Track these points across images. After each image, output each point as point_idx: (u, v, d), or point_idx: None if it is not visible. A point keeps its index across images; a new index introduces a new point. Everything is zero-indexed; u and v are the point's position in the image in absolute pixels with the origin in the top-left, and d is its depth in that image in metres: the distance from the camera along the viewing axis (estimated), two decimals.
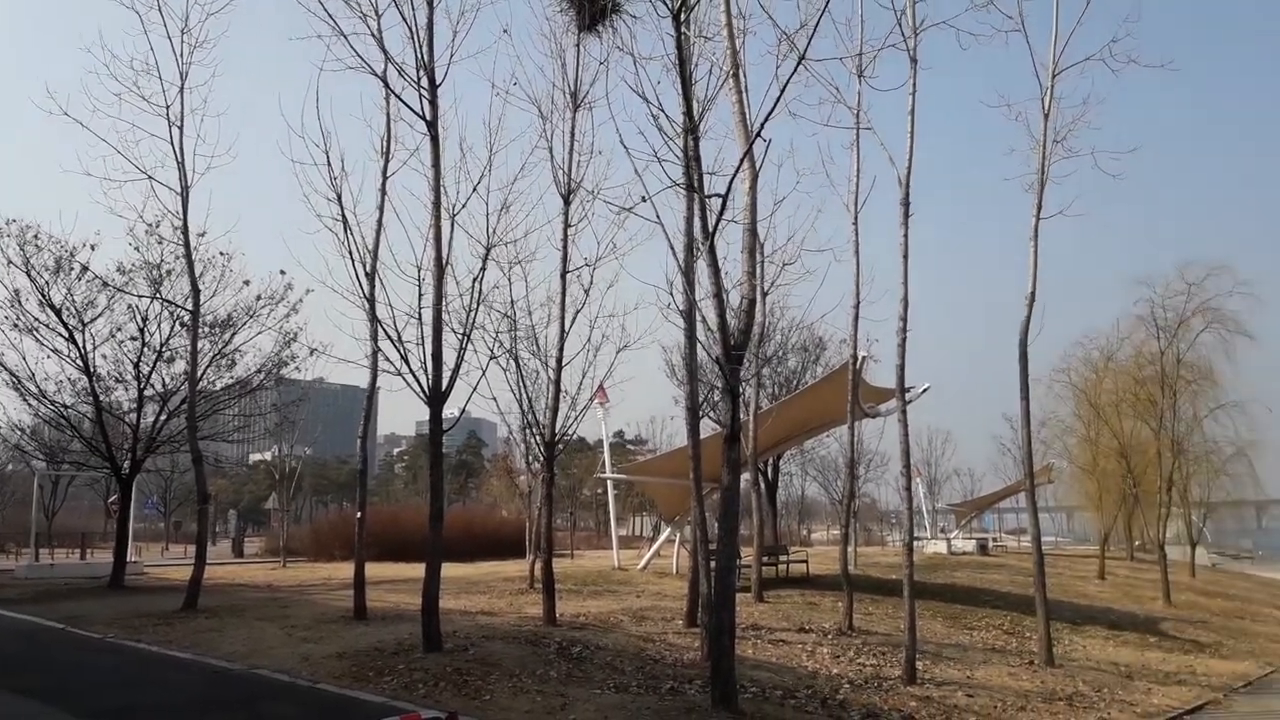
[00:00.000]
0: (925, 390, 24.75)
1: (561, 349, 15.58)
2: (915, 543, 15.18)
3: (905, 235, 14.54)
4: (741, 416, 20.68)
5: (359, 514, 16.93)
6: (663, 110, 10.43)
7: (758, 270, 12.00)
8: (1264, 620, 29.00)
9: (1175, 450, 34.09)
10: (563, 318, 15.62)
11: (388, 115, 15.38)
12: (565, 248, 15.67)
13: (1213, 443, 38.42)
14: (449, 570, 20.12)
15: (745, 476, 24.53)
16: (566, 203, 15.70)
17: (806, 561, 25.72)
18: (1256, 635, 24.87)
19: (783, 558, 25.45)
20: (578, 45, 15.76)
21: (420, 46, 12.66)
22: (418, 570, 12.58)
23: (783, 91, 9.29)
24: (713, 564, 12.21)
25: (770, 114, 9.51)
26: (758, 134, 9.92)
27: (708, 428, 20.64)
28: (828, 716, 10.20)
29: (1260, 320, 35.24)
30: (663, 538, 29.51)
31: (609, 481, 31.61)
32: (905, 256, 14.51)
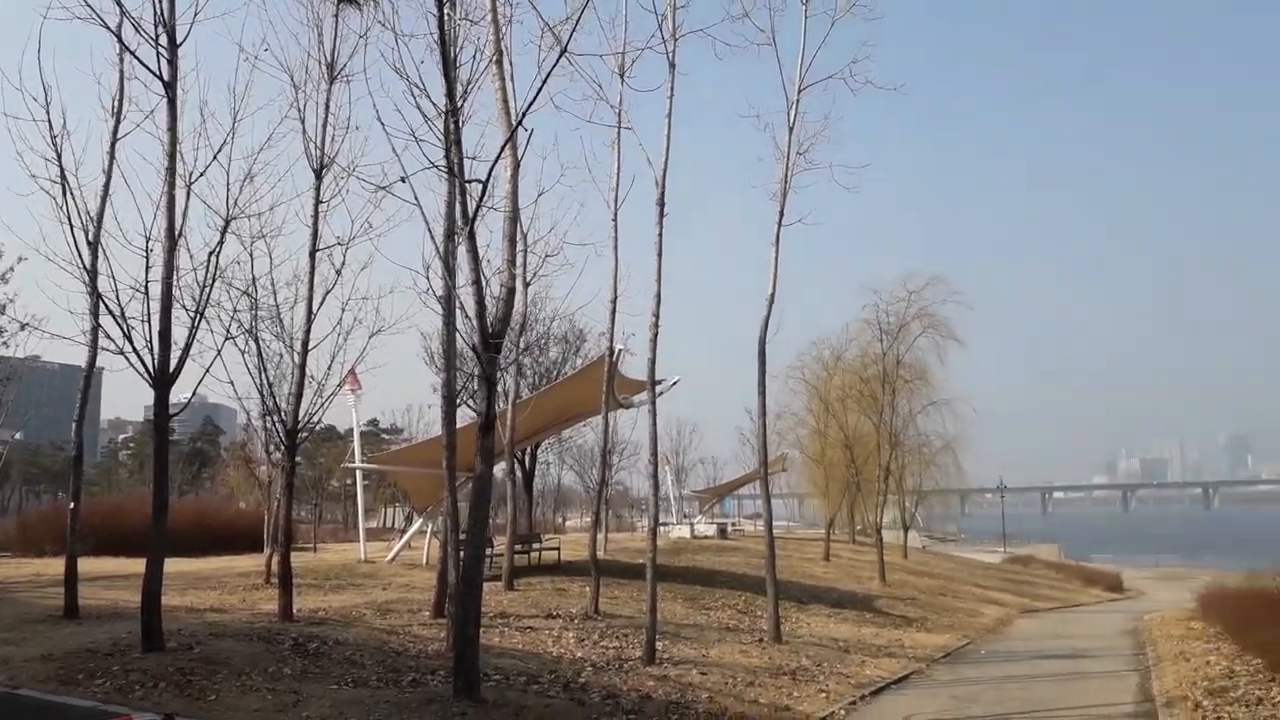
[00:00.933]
0: (675, 383, 25.71)
1: (309, 331, 14.84)
2: (661, 528, 15.76)
3: (660, 234, 15.04)
4: (500, 405, 20.67)
5: (72, 504, 15.40)
6: (424, 90, 10.19)
7: (518, 259, 12.02)
8: (963, 597, 32.42)
9: (893, 443, 37.57)
10: (310, 298, 14.88)
11: (121, 73, 13.96)
12: (316, 224, 14.93)
13: (925, 436, 42.65)
14: (178, 565, 18.73)
15: (502, 465, 24.51)
16: (319, 178, 14.96)
17: (559, 549, 26.03)
18: (957, 610, 27.79)
19: (536, 546, 25.61)
20: (336, 15, 15.05)
21: (160, 2, 11.65)
22: (141, 565, 11.62)
23: (545, 82, 9.36)
24: (462, 553, 12.12)
25: (532, 104, 9.55)
26: (519, 122, 9.92)
27: (466, 417, 20.40)
28: (569, 699, 10.40)
29: (969, 327, 39.63)
30: (414, 529, 28.90)
31: (358, 472, 30.55)
32: (659, 254, 15.02)
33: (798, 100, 17.18)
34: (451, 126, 10.28)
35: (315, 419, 15.50)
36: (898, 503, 44.97)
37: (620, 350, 19.71)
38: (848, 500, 44.96)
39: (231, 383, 14.82)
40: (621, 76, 15.50)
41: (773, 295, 17.45)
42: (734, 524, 59.80)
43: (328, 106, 14.95)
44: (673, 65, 14.99)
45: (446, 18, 10.14)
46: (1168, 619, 24.05)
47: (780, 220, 17.28)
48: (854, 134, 36.41)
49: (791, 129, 17.22)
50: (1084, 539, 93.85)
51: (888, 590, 29.95)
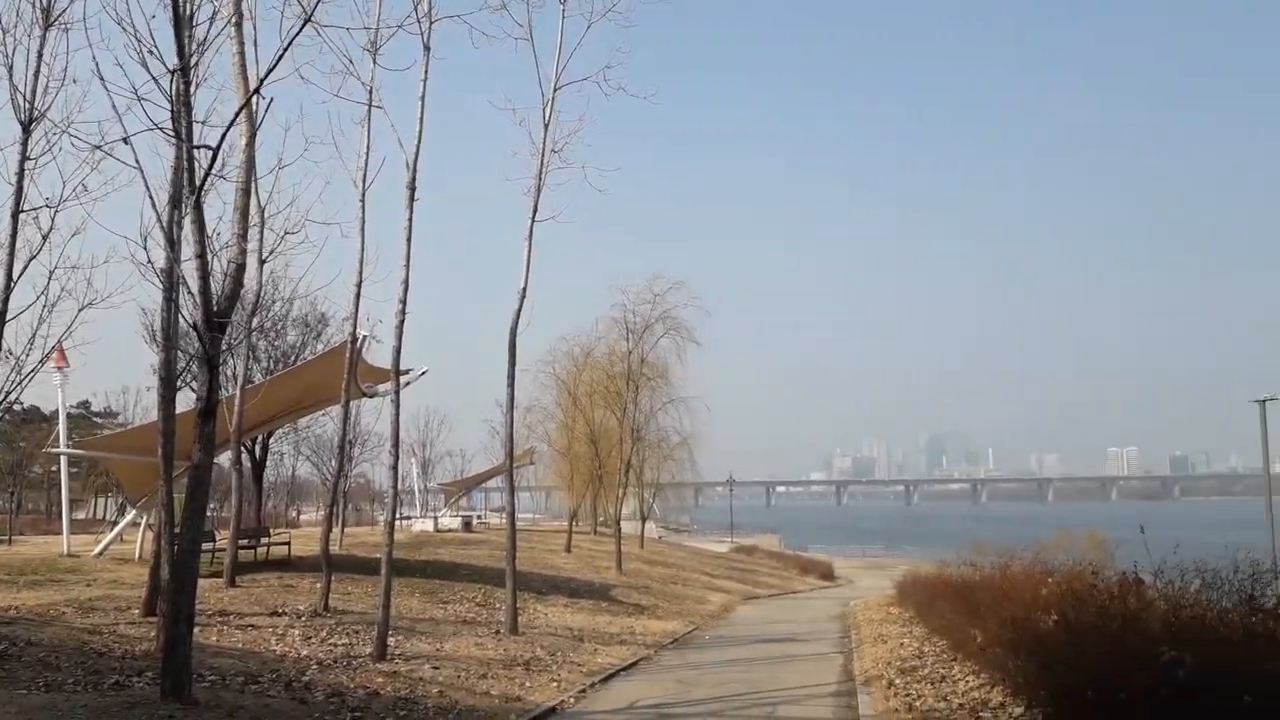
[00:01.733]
0: (423, 374, 25.19)
1: (7, 300, 13.24)
2: (404, 521, 15.42)
3: (410, 218, 14.70)
4: (228, 390, 19.36)
5: None
6: (154, 47, 9.36)
7: (251, 234, 11.34)
8: (693, 585, 33.99)
9: (635, 438, 38.83)
10: (11, 264, 13.29)
11: None
12: (21, 182, 13.33)
13: (664, 432, 44.36)
14: None
15: (227, 455, 22.97)
16: (26, 131, 13.37)
17: (289, 543, 24.77)
18: (686, 598, 29.11)
19: (264, 540, 24.25)
20: None
21: None
22: None
23: (286, 49, 8.90)
24: (176, 546, 11.26)
25: (272, 70, 9.04)
26: (257, 89, 9.38)
27: (189, 401, 18.94)
28: (291, 699, 9.96)
29: (707, 330, 41.54)
30: (126, 521, 26.53)
31: (63, 458, 27.61)
32: (409, 239, 14.67)
33: (554, 98, 17.34)
34: (180, 87, 9.51)
35: (13, 398, 13.86)
36: (637, 495, 46.47)
37: (365, 337, 19.08)
38: (591, 493, 45.92)
39: None
40: (373, 54, 14.98)
41: (525, 289, 17.52)
42: (479, 517, 59.43)
43: (40, 55, 13.39)
44: (427, 48, 14.69)
45: None
46: (870, 604, 26.38)
47: (534, 216, 17.38)
48: (609, 137, 37.14)
49: (547, 126, 17.36)
50: (803, 530, 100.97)
51: (624, 580, 30.85)
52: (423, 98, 14.67)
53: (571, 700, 11.91)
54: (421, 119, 14.67)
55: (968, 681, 11.15)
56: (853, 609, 26.46)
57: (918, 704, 10.55)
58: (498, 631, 16.86)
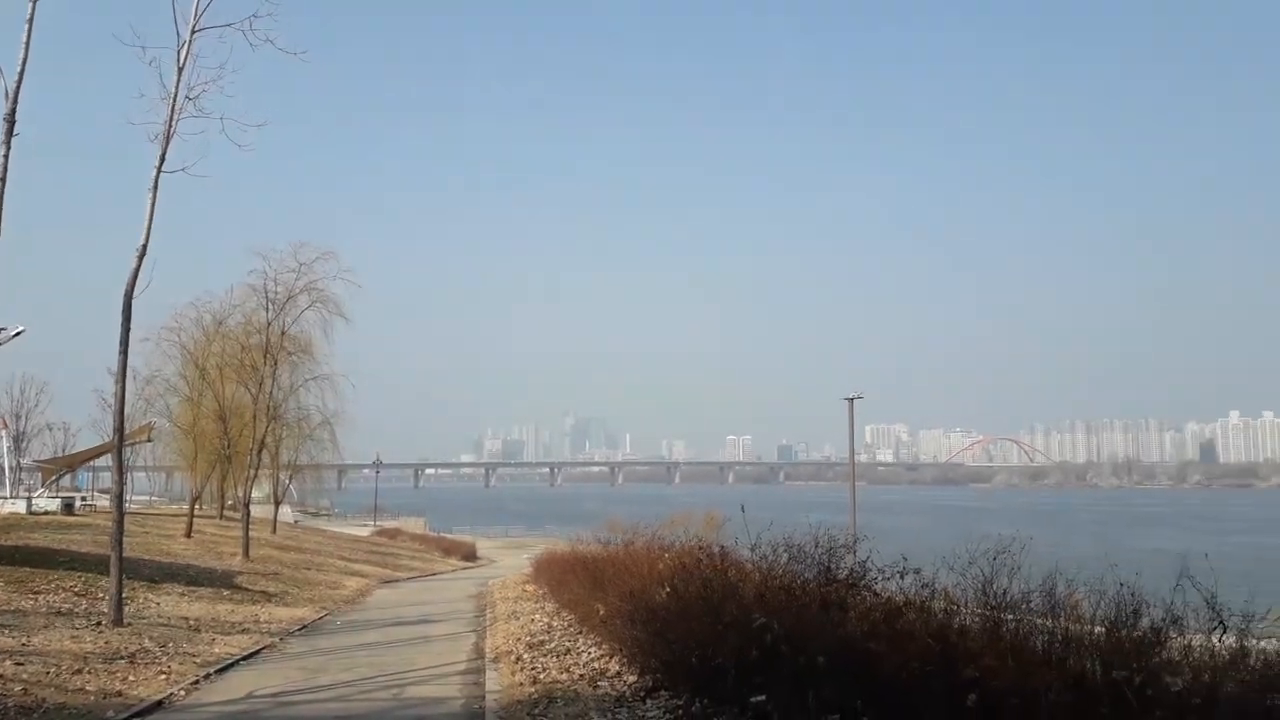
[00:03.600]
0: (18, 334, 22.13)
1: None
2: None
3: (7, 154, 12.86)
4: None
5: None
6: None
7: None
8: (328, 570, 32.78)
9: (271, 416, 36.56)
10: None
11: None
12: None
13: (305, 411, 42.28)
14: None
15: None
16: None
17: None
18: (319, 584, 28.01)
19: None
20: None
21: None
22: None
23: None
24: None
25: None
26: None
27: None
28: None
29: (357, 304, 39.94)
30: None
31: None
32: (3, 179, 12.82)
33: (190, 40, 15.89)
34: None
35: None
36: (271, 477, 43.91)
37: None
38: (218, 474, 42.67)
39: None
40: None
41: (145, 245, 15.90)
42: (84, 499, 53.06)
43: None
44: None
45: None
46: (508, 584, 26.97)
47: (160, 165, 15.81)
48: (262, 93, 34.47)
49: (181, 69, 15.87)
50: (450, 512, 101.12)
51: (251, 566, 29.06)
52: (30, 19, 12.86)
53: (181, 693, 11.10)
54: (28, 43, 12.88)
55: (590, 653, 11.81)
56: (490, 589, 26.91)
57: (542, 677, 11.02)
58: (99, 623, 15.22)
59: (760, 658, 7.12)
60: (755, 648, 7.16)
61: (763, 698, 6.79)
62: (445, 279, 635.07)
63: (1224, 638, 7.78)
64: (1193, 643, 7.61)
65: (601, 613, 11.29)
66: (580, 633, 13.77)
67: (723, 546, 9.71)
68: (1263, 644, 8.06)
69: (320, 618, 20.58)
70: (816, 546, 8.46)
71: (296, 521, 58.33)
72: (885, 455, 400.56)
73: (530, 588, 23.00)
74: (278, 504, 46.28)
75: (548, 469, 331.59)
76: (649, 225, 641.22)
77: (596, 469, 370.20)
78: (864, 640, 6.72)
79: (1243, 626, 7.84)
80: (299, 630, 18.05)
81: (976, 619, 7.18)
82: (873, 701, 6.31)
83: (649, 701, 8.65)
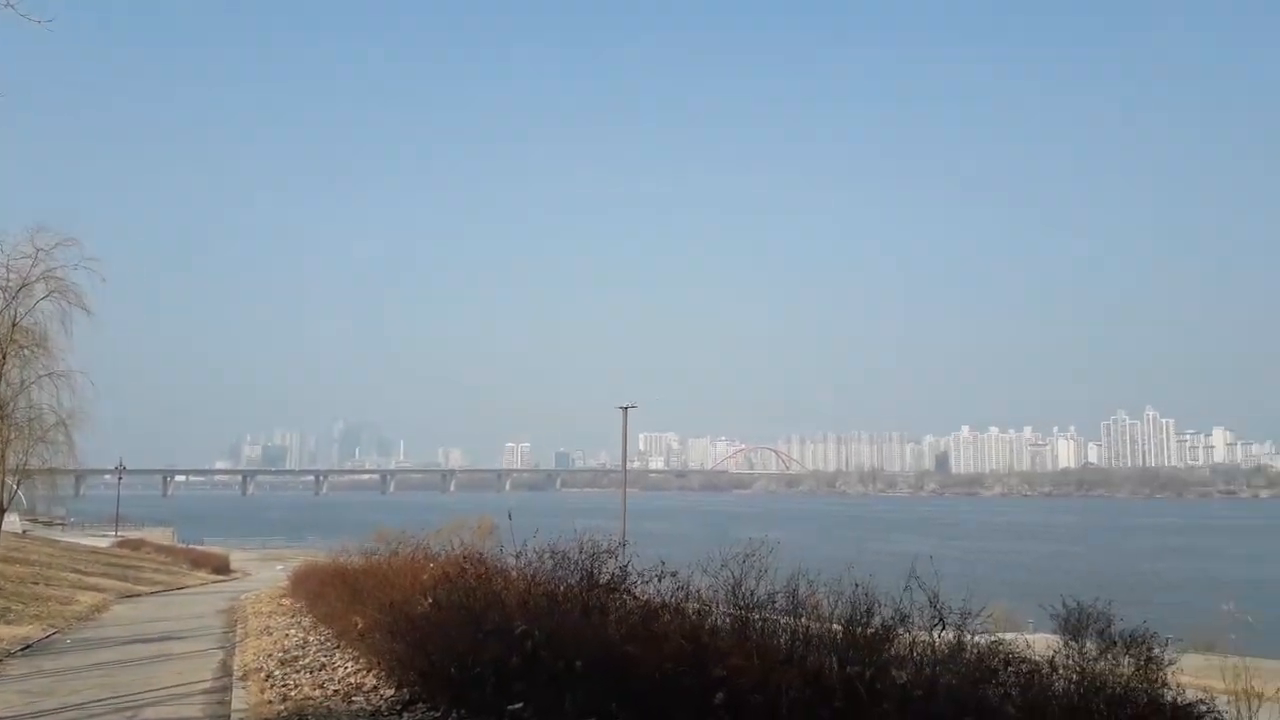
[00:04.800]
0: None
1: None
2: None
3: None
4: None
5: None
6: None
7: None
8: (59, 584, 29.87)
9: None
10: None
11: None
12: None
13: (37, 410, 38.18)
14: None
15: None
16: None
17: None
18: (48, 599, 25.45)
19: None
20: None
21: None
22: None
23: None
24: None
25: None
26: None
27: None
28: None
29: (101, 297, 36.52)
30: None
31: None
32: None
33: None
34: None
35: None
36: None
37: None
38: None
39: None
40: None
41: None
42: None
43: None
44: None
45: None
46: (262, 597, 25.59)
47: None
48: None
49: None
50: (201, 522, 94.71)
51: None
52: None
53: None
54: None
55: (347, 667, 11.43)
56: (243, 603, 25.43)
57: (294, 694, 10.55)
58: None
59: (521, 664, 7.16)
60: (516, 655, 7.19)
61: (520, 705, 6.83)
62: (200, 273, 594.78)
63: (944, 634, 8.59)
64: (917, 639, 8.35)
65: (360, 626, 10.95)
66: (338, 647, 13.31)
67: (485, 555, 9.66)
68: (978, 638, 8.96)
69: (48, 636, 18.78)
70: (581, 552, 8.60)
71: (25, 531, 52.78)
72: (657, 463, 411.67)
73: (287, 601, 22.00)
74: (2, 512, 41.57)
75: (313, 477, 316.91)
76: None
77: (367, 477, 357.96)
78: (622, 643, 6.90)
79: (960, 623, 8.69)
80: (21, 650, 16.41)
81: (728, 619, 7.56)
82: (627, 703, 6.49)
83: (405, 715, 8.47)
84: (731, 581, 7.50)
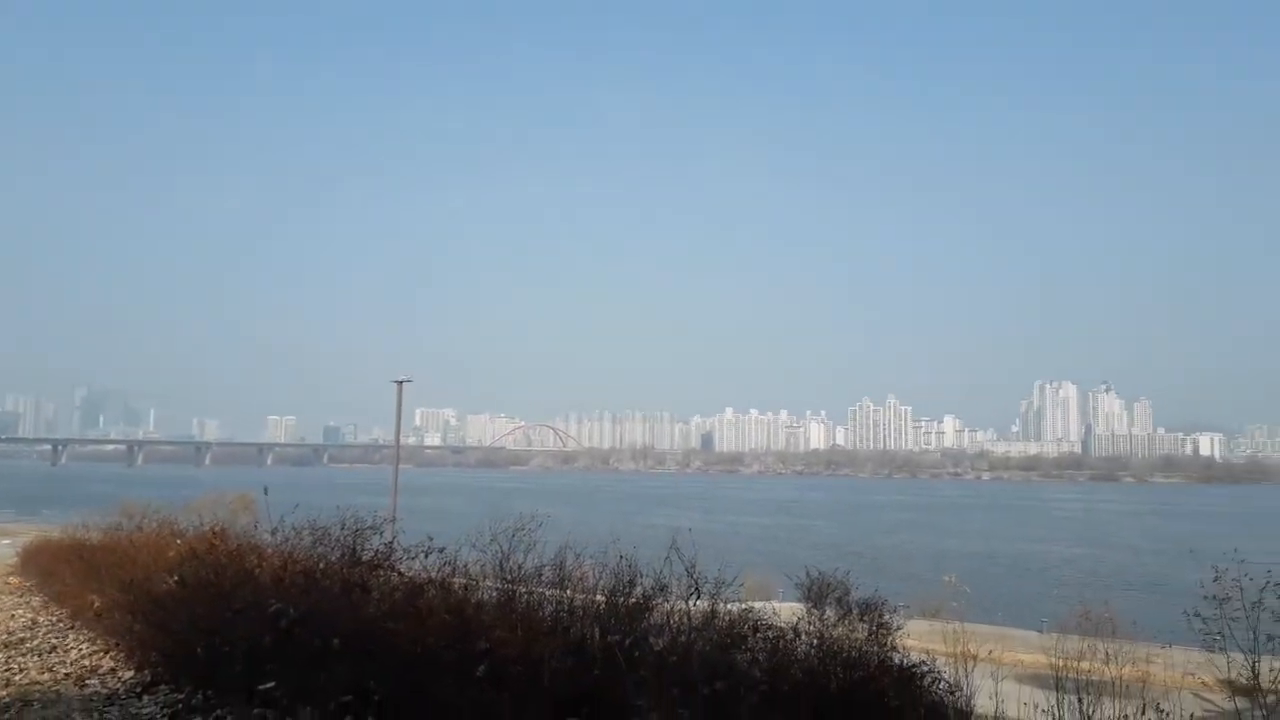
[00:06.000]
0: None
1: None
2: None
3: None
4: None
5: None
6: None
7: None
8: None
9: None
10: None
11: None
12: None
13: None
14: None
15: None
16: None
17: None
18: None
19: None
20: None
21: None
22: None
23: None
24: None
25: None
26: None
27: None
28: None
29: None
30: None
31: None
32: None
33: None
34: None
35: None
36: None
37: None
38: None
39: None
40: None
41: None
42: None
43: None
44: None
45: None
46: None
47: None
48: None
49: None
50: None
51: None
52: None
53: None
54: None
55: (81, 649, 10.60)
56: None
57: (18, 678, 9.66)
58: None
59: (274, 644, 6.89)
60: (269, 634, 6.90)
61: (272, 684, 6.58)
62: None
63: (700, 603, 9.04)
64: (675, 607, 8.74)
65: (97, 605, 10.16)
66: (72, 628, 12.37)
67: (239, 531, 9.18)
68: (731, 607, 9.48)
69: None
70: (343, 528, 8.36)
71: None
72: (434, 439, 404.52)
73: (14, 580, 20.20)
74: None
75: (50, 446, 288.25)
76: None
77: (112, 448, 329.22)
78: (384, 620, 6.79)
79: (715, 593, 9.17)
80: None
81: (495, 593, 7.60)
82: (388, 680, 6.41)
83: (146, 697, 7.94)
84: (500, 555, 7.54)
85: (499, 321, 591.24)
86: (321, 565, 8.00)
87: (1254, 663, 12.80)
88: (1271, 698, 12.64)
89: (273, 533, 8.60)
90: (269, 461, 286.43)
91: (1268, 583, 12.48)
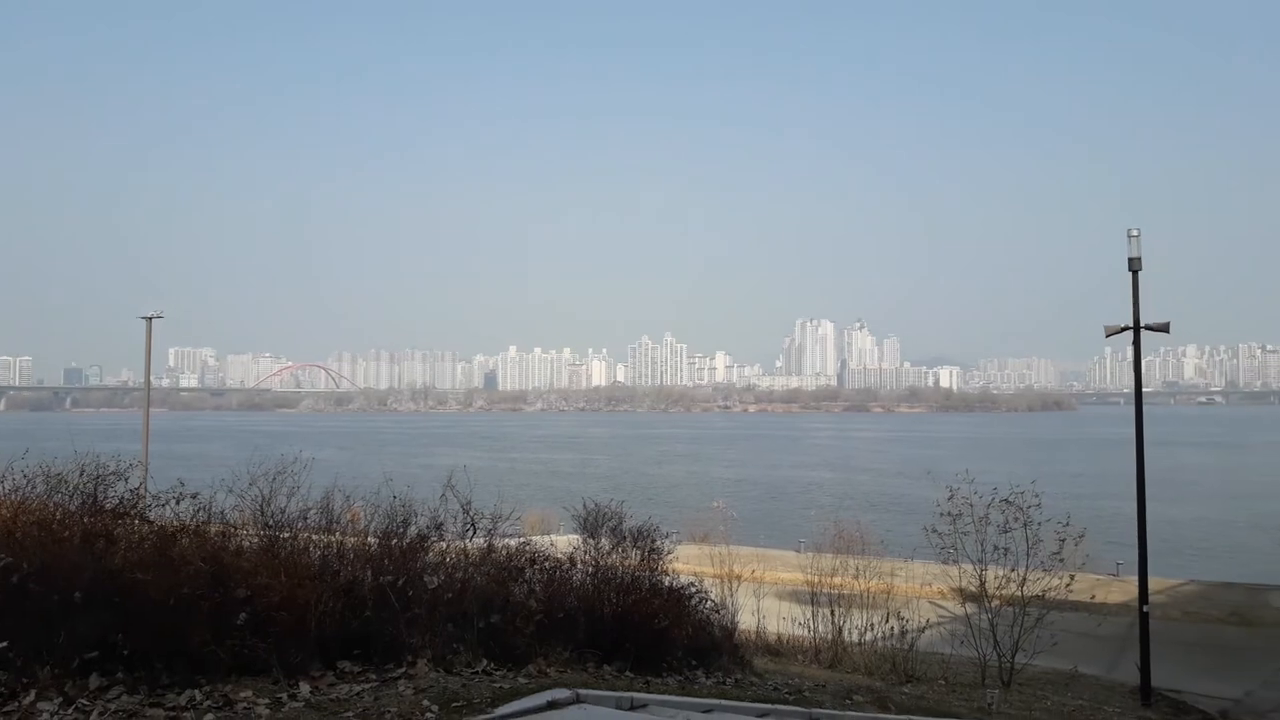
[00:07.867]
0: None
1: None
2: None
3: None
4: None
5: None
6: None
7: None
8: None
9: None
10: None
11: None
12: None
13: None
14: None
15: None
16: None
17: None
18: None
19: None
20: None
21: None
22: None
23: None
24: None
25: None
26: None
27: None
28: None
29: None
30: None
31: None
32: None
33: None
34: None
35: None
36: None
37: None
38: None
39: None
40: None
41: None
42: None
43: None
44: None
45: None
46: None
47: None
48: None
49: None
50: None
51: None
52: None
53: None
54: None
55: None
56: None
57: None
58: None
59: (5, 600, 6.29)
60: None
61: (5, 644, 6.01)
62: None
63: (477, 539, 9.04)
64: (453, 545, 8.70)
65: None
66: None
67: None
68: (508, 541, 9.55)
69: None
70: (82, 475, 7.68)
71: None
72: (190, 380, 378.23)
73: None
74: None
75: None
76: None
77: None
78: (131, 570, 6.34)
79: (492, 528, 9.20)
80: None
81: (256, 539, 7.27)
82: (138, 633, 6.01)
83: None
84: (260, 500, 7.19)
85: (266, 250, 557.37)
86: (59, 515, 7.34)
87: (981, 572, 14.34)
88: (996, 602, 14.26)
89: (1, 481, 7.78)
90: (1, 406, 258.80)
91: (993, 500, 14.00)
